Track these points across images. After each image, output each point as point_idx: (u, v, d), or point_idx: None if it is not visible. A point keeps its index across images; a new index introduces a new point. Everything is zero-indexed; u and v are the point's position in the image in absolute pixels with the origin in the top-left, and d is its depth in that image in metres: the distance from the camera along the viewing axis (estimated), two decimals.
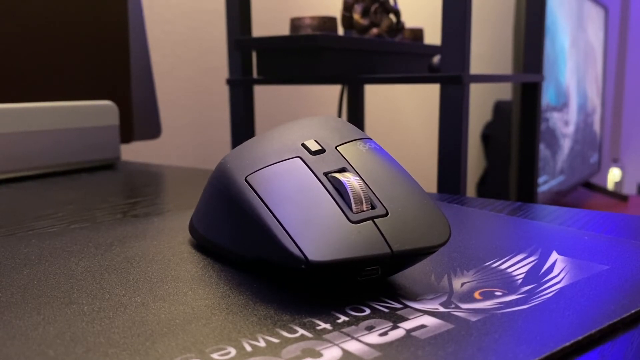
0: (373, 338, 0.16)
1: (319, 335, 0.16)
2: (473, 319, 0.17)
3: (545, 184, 1.25)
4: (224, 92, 0.98)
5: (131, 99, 0.57)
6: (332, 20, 0.68)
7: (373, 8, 0.72)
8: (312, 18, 0.67)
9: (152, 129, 0.64)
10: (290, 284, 0.20)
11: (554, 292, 0.19)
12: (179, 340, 0.16)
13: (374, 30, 0.72)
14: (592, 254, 0.22)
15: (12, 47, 0.49)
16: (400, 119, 1.43)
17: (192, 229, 0.24)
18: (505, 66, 1.94)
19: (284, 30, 1.07)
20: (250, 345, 0.15)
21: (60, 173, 0.47)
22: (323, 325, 0.17)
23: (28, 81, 0.50)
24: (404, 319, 0.17)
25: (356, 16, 0.71)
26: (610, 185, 2.37)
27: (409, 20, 1.42)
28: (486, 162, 1.74)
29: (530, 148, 0.86)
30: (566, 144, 1.42)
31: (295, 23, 0.68)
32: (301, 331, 0.16)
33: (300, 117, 1.13)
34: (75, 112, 0.47)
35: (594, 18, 1.66)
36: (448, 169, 0.58)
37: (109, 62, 0.55)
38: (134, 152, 0.84)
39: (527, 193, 0.87)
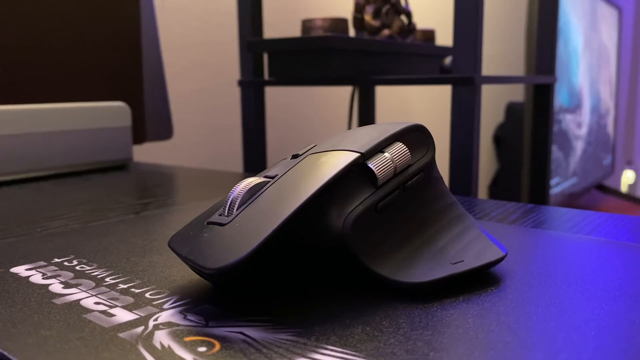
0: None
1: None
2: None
3: (558, 185, 1.24)
4: (235, 93, 0.98)
5: (143, 100, 0.57)
6: (343, 21, 0.68)
7: (384, 9, 0.72)
8: (324, 19, 0.67)
9: (164, 130, 0.64)
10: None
11: None
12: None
13: (385, 32, 0.72)
14: None
15: (26, 49, 0.50)
16: (412, 120, 1.43)
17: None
18: (517, 67, 1.93)
19: (294, 31, 1.07)
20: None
21: (73, 174, 0.47)
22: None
23: (41, 83, 0.51)
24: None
25: (367, 17, 0.71)
26: (623, 187, 2.35)
27: (421, 21, 1.41)
28: (498, 163, 1.73)
29: (542, 150, 0.85)
30: (579, 146, 1.41)
31: (307, 24, 0.68)
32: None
33: (311, 118, 1.13)
34: (88, 113, 0.48)
35: (608, 19, 1.65)
36: (459, 171, 0.58)
37: (122, 63, 0.56)
38: (146, 153, 0.85)
39: (539, 195, 0.87)
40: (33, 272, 0.22)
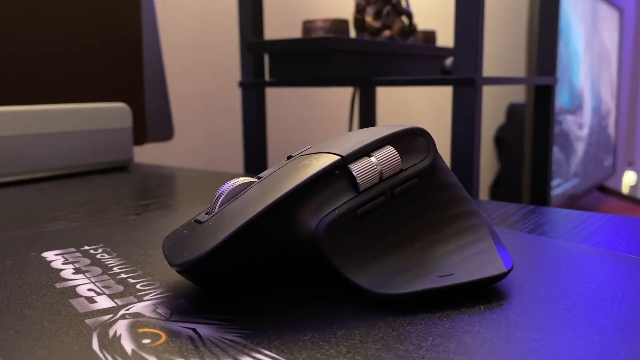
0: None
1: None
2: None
3: (559, 187, 1.24)
4: (236, 94, 0.98)
5: (144, 101, 0.57)
6: (344, 22, 0.68)
7: (385, 10, 0.72)
8: (324, 20, 0.67)
9: (165, 131, 0.64)
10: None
11: None
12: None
13: (386, 33, 0.72)
14: None
15: (27, 50, 0.50)
16: (413, 121, 1.43)
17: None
18: (518, 68, 1.93)
19: (295, 32, 1.07)
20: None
21: (74, 175, 0.47)
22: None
23: (42, 83, 0.51)
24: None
25: (368, 18, 0.71)
26: (625, 188, 2.35)
27: (422, 22, 1.41)
28: (499, 164, 1.73)
29: (543, 151, 0.85)
30: (580, 147, 1.41)
31: (307, 26, 0.68)
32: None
33: (312, 119, 1.13)
34: (89, 114, 0.48)
35: (609, 20, 1.64)
36: (460, 172, 0.58)
37: (123, 64, 0.56)
38: (147, 154, 0.85)
39: (540, 196, 0.87)
40: (59, 257, 0.24)
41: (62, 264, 0.23)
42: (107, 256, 0.24)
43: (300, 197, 0.18)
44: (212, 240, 0.18)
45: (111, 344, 0.16)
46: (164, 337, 0.16)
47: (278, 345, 0.16)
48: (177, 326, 0.17)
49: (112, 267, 0.22)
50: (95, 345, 0.16)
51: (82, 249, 0.25)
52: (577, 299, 0.19)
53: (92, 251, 0.24)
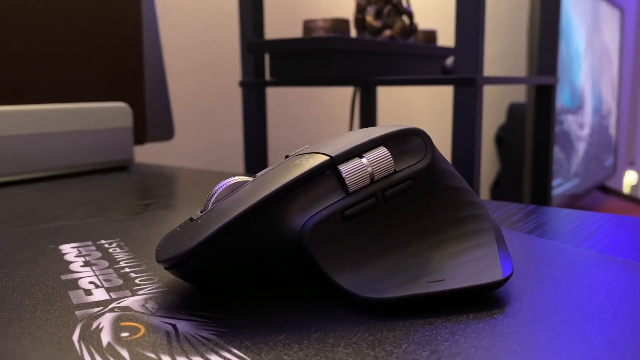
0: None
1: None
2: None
3: (560, 186, 1.24)
4: (236, 94, 0.98)
5: (145, 101, 0.57)
6: (344, 22, 0.68)
7: (386, 10, 0.72)
8: (325, 20, 0.67)
9: (165, 131, 0.64)
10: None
11: None
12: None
13: (387, 32, 0.72)
14: None
15: (27, 49, 0.50)
16: (413, 121, 1.43)
17: None
18: (519, 68, 1.93)
19: (295, 32, 1.07)
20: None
21: (74, 174, 0.47)
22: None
23: (42, 83, 0.51)
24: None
25: (369, 18, 0.71)
26: (626, 188, 2.35)
27: (422, 21, 1.41)
28: (500, 164, 1.73)
29: (544, 150, 0.85)
30: (581, 147, 1.41)
31: (308, 25, 0.68)
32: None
33: (313, 119, 1.13)
34: (89, 114, 0.48)
35: (610, 19, 1.64)
36: (461, 172, 0.58)
37: (123, 64, 0.56)
38: (147, 154, 0.85)
39: (541, 196, 0.87)
40: (74, 250, 0.24)
41: (75, 256, 0.23)
42: (119, 250, 0.24)
43: (287, 197, 0.18)
44: (197, 237, 0.18)
45: (90, 335, 0.16)
46: (142, 331, 0.16)
47: (249, 345, 0.16)
48: (159, 321, 0.17)
49: (120, 261, 0.23)
50: (75, 336, 0.16)
51: (99, 242, 0.26)
52: (577, 311, 0.18)
53: (106, 245, 0.25)
